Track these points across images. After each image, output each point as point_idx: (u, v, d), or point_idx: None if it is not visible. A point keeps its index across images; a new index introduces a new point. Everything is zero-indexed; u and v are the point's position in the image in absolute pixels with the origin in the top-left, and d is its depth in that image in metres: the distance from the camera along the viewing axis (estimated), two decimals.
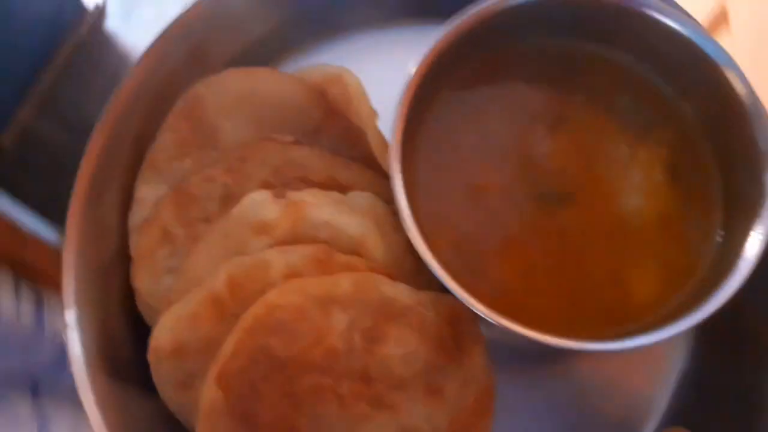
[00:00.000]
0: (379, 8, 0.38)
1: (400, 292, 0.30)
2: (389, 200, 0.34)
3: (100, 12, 0.51)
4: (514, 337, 0.37)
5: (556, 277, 0.30)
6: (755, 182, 0.30)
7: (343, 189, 0.34)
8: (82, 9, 0.51)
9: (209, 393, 0.29)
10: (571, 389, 0.36)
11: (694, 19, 0.32)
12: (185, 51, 0.35)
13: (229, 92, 0.35)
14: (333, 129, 0.36)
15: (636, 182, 0.32)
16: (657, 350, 0.35)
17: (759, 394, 0.32)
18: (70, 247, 0.32)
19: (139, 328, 0.33)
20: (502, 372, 0.33)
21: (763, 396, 0.31)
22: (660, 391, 0.35)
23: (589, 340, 0.28)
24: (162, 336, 0.30)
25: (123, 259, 0.34)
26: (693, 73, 0.32)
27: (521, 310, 0.29)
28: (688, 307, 0.29)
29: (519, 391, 0.36)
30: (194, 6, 0.35)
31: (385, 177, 0.35)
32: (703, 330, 0.35)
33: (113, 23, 0.51)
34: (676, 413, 0.34)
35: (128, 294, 0.33)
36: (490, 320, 0.28)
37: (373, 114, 0.35)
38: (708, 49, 0.31)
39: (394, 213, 0.34)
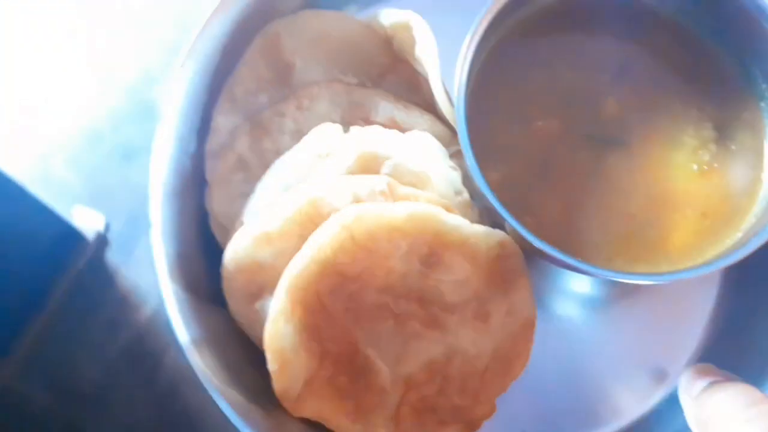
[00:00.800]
0: None
1: (455, 224, 0.33)
2: (446, 143, 0.37)
3: (101, 241, 0.44)
4: (553, 275, 0.39)
5: (599, 215, 0.32)
6: None
7: (402, 130, 0.37)
8: (80, 238, 0.43)
9: (278, 302, 0.31)
10: (606, 330, 0.38)
11: None
12: None
13: (304, 33, 0.37)
14: (397, 74, 0.38)
15: (686, 136, 0.34)
16: (688, 294, 0.37)
17: None
18: (155, 170, 0.35)
19: (212, 248, 0.36)
20: (542, 311, 0.36)
21: None
22: (690, 333, 0.37)
23: (625, 273, 0.30)
24: (235, 252, 0.33)
25: (199, 182, 0.37)
26: (748, 38, 0.34)
27: (563, 245, 0.31)
28: (722, 255, 0.31)
29: (556, 330, 0.38)
30: None
31: (444, 123, 0.37)
32: (730, 274, 0.37)
33: (114, 257, 0.44)
34: (705, 352, 0.36)
35: (202, 215, 0.36)
36: (536, 247, 0.30)
37: (436, 61, 0.37)
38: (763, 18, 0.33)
39: (451, 155, 0.36)
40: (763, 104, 0.35)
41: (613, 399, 0.37)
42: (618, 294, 0.38)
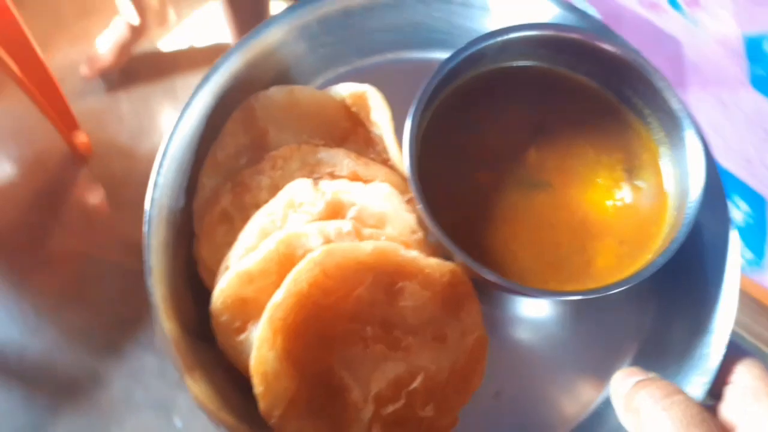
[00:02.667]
0: (394, 39, 0.47)
1: (412, 258, 0.38)
2: (401, 191, 0.43)
3: None
4: (503, 302, 0.45)
5: (533, 246, 0.38)
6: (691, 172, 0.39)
7: (364, 182, 0.43)
8: None
9: (261, 332, 0.36)
10: (552, 347, 0.43)
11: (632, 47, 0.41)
12: (238, 71, 0.43)
13: (275, 104, 0.43)
14: (357, 135, 0.45)
15: (600, 178, 0.41)
16: (621, 312, 0.43)
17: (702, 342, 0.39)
18: (150, 224, 0.40)
19: (201, 291, 0.41)
20: (495, 332, 0.41)
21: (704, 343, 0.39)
22: (624, 344, 0.42)
23: (556, 292, 0.36)
24: (222, 291, 0.38)
25: (188, 235, 0.42)
26: (646, 95, 0.41)
27: (504, 272, 0.37)
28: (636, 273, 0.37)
29: (509, 348, 0.43)
30: (246, 39, 0.44)
31: (399, 174, 0.44)
32: (661, 293, 0.43)
33: None
34: (636, 359, 0.42)
35: (192, 263, 0.41)
36: (482, 275, 0.36)
37: (390, 124, 0.43)
38: (643, 66, 0.40)
39: (407, 200, 0.42)
40: (662, 149, 0.42)
41: (560, 406, 0.42)
42: (561, 315, 0.44)
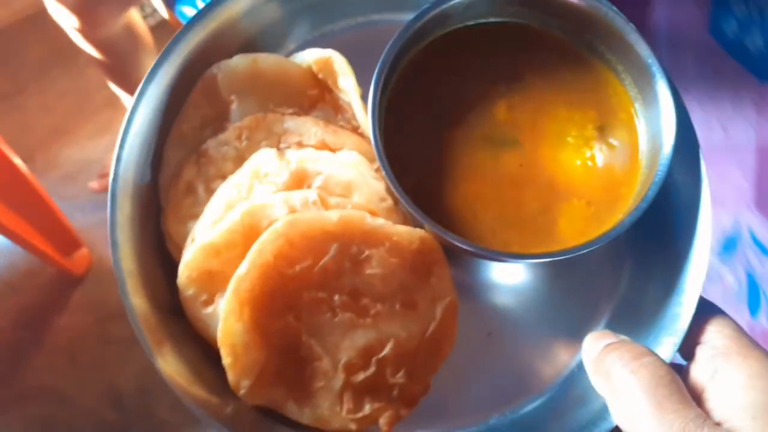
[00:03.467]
0: (363, 1, 0.46)
1: (379, 225, 0.38)
2: (371, 158, 0.42)
3: None
4: (476, 268, 0.44)
5: (497, 207, 0.38)
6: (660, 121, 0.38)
7: (333, 151, 0.42)
8: None
9: (228, 304, 0.36)
10: (525, 311, 0.43)
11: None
12: (202, 41, 0.42)
13: (238, 74, 0.42)
14: (325, 103, 0.44)
15: (571, 136, 0.40)
16: (594, 275, 0.43)
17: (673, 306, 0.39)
18: (116, 198, 0.39)
19: (169, 264, 0.40)
20: (467, 298, 0.41)
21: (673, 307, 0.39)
22: (597, 308, 0.42)
23: (519, 255, 0.36)
24: (188, 264, 0.38)
25: (155, 209, 0.41)
26: (620, 51, 0.40)
27: (468, 234, 0.37)
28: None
29: (481, 314, 0.43)
30: (209, 6, 0.43)
31: (367, 141, 0.43)
32: (635, 255, 0.43)
33: None
34: (609, 322, 0.42)
35: (159, 237, 0.41)
36: (446, 238, 0.35)
37: (357, 89, 0.43)
38: (615, 20, 0.39)
39: (375, 168, 0.42)
40: (637, 105, 0.41)
41: (534, 371, 0.42)
42: (534, 280, 0.44)
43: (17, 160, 1.23)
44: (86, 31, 1.17)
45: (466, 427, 0.42)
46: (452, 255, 0.40)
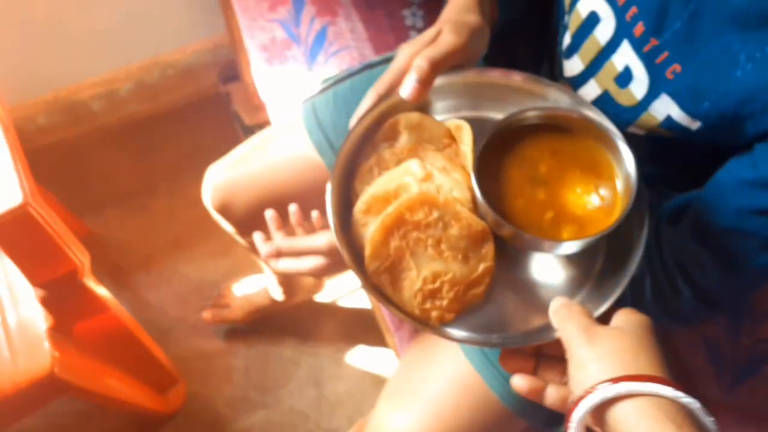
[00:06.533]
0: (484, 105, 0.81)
1: (463, 210, 0.69)
2: (468, 186, 0.74)
3: None
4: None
5: (529, 216, 0.68)
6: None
7: (448, 173, 0.75)
8: None
9: (376, 226, 0.69)
10: (535, 283, 0.72)
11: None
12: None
13: (411, 121, 0.77)
14: (451, 149, 0.78)
15: (580, 188, 0.70)
16: (581, 262, 0.71)
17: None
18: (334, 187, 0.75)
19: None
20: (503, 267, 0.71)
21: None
22: (582, 283, 0.70)
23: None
24: (359, 205, 0.72)
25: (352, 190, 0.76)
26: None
27: (514, 222, 0.68)
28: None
29: (506, 275, 0.72)
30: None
31: (467, 174, 0.75)
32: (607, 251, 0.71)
33: None
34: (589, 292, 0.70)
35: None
36: (502, 229, 0.66)
37: (471, 146, 0.76)
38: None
39: (469, 188, 0.74)
40: (615, 166, 0.70)
41: (530, 316, 0.70)
42: (541, 264, 0.73)
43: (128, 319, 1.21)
44: (246, 237, 1.22)
45: (489, 333, 0.70)
46: (500, 242, 0.70)
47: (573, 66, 0.86)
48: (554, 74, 0.94)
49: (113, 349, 1.23)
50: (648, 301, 0.77)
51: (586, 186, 0.70)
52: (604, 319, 0.62)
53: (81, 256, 1.01)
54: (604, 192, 0.70)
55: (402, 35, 1.36)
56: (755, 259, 0.70)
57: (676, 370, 0.95)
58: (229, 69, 1.81)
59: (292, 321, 1.61)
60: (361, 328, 1.62)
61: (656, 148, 0.81)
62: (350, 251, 0.70)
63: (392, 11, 1.37)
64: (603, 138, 0.70)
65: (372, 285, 0.69)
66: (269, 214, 0.86)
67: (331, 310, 1.65)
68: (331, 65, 1.34)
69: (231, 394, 1.50)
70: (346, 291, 1.68)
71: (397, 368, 1.04)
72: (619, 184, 0.69)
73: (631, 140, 0.70)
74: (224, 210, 1.13)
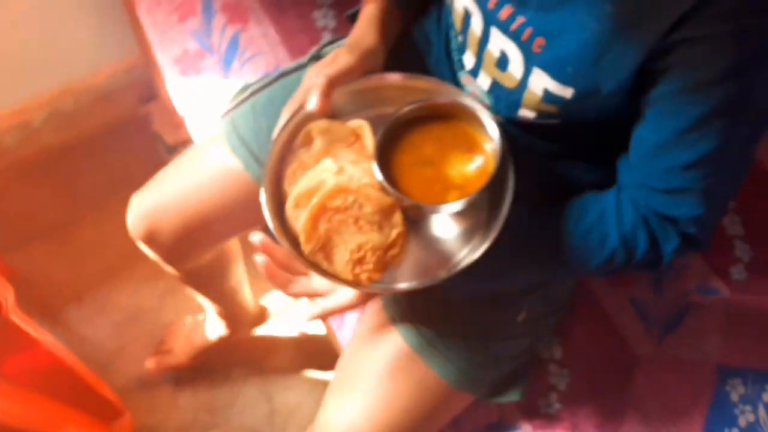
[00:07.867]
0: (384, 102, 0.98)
1: (375, 191, 0.87)
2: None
3: None
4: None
5: (422, 189, 0.86)
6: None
7: (357, 164, 0.92)
8: None
9: (305, 215, 0.86)
10: (436, 230, 0.90)
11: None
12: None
13: (320, 127, 0.94)
14: (359, 144, 0.95)
15: (459, 162, 0.88)
16: (470, 211, 0.90)
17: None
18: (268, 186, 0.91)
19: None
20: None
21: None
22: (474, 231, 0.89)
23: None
24: (289, 203, 0.88)
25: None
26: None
27: (411, 195, 0.85)
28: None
29: (416, 236, 0.90)
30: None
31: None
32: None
33: None
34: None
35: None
36: (403, 201, 0.84)
37: (372, 140, 0.93)
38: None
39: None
40: (482, 140, 0.88)
41: (439, 261, 0.88)
42: (440, 220, 0.91)
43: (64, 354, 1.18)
44: (175, 266, 1.21)
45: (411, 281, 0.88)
46: (404, 210, 0.88)
47: (467, 61, 0.96)
48: (455, 71, 1.03)
49: (51, 385, 1.20)
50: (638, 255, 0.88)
51: (462, 159, 0.89)
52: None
53: (5, 292, 1.00)
54: (478, 159, 0.88)
55: (314, 37, 1.34)
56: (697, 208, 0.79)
57: (609, 332, 1.13)
58: (147, 89, 1.74)
59: (240, 349, 1.56)
60: (316, 355, 1.59)
61: (554, 129, 0.90)
62: (289, 240, 0.87)
63: (303, 14, 1.36)
64: (472, 116, 0.88)
65: (311, 263, 0.86)
66: (257, 238, 0.89)
67: (282, 340, 1.62)
68: (247, 71, 1.33)
69: (180, 419, 1.47)
70: (293, 320, 1.64)
71: (337, 365, 1.07)
72: (488, 149, 0.88)
73: (536, 128, 0.87)
74: (150, 239, 1.13)
